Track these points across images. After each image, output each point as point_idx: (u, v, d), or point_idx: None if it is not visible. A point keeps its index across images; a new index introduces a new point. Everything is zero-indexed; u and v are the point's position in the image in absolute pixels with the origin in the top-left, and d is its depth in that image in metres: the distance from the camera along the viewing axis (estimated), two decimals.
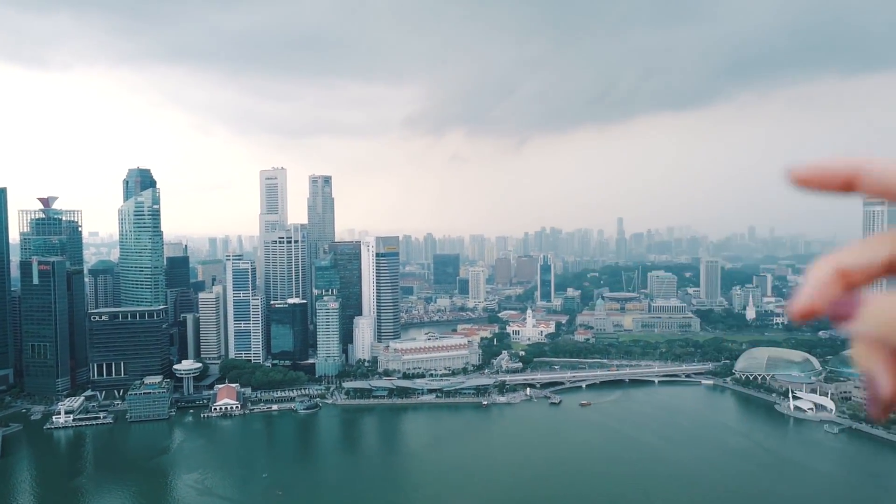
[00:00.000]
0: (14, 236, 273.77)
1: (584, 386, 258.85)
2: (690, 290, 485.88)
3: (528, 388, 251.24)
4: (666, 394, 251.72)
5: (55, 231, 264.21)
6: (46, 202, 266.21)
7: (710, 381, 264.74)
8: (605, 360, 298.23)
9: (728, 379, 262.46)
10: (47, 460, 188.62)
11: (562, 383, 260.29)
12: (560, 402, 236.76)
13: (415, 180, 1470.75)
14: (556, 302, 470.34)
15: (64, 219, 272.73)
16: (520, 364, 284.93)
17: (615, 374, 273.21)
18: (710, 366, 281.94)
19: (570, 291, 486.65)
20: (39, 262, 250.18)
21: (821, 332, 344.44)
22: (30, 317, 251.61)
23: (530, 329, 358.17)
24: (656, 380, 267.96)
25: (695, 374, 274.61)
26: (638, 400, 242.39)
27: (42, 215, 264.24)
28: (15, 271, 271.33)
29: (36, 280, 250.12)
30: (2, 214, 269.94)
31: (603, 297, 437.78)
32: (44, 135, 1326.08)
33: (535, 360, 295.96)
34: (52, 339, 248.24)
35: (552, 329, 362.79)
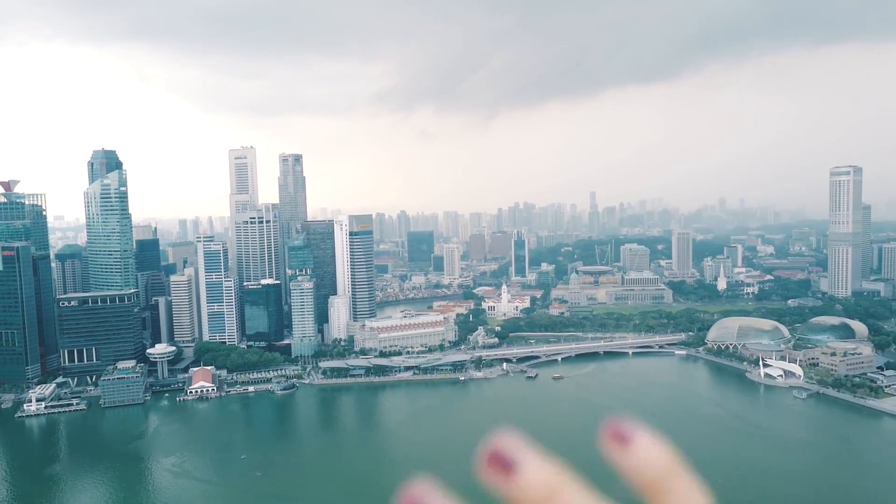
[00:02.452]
0: None
1: (559, 359, 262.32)
2: (663, 263, 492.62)
3: (504, 363, 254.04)
4: (640, 365, 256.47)
5: (18, 216, 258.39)
6: (7, 186, 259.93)
7: (683, 352, 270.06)
8: (579, 334, 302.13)
9: (700, 349, 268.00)
10: (19, 449, 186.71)
11: (538, 357, 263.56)
12: (536, 375, 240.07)
13: (386, 157, 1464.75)
14: (531, 277, 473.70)
15: (27, 202, 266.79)
16: (496, 339, 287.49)
17: (590, 346, 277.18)
18: (682, 336, 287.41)
19: (545, 266, 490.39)
20: (3, 248, 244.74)
21: (789, 301, 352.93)
22: None
23: (505, 304, 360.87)
24: (630, 351, 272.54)
25: (668, 344, 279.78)
26: (612, 372, 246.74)
27: (3, 199, 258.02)
28: None
29: (0, 266, 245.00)
30: None
31: (577, 271, 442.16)
32: (1, 116, 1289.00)
33: (510, 335, 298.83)
34: (19, 326, 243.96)
35: (527, 304, 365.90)
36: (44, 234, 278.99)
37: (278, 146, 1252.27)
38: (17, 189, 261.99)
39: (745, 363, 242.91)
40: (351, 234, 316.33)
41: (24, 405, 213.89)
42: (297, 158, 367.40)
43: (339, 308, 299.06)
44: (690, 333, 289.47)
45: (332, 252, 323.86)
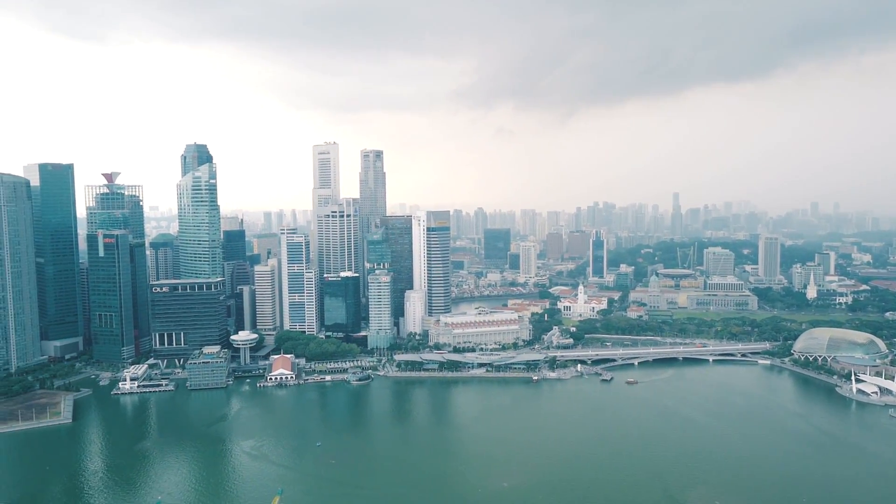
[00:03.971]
0: (81, 211, 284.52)
1: (636, 363, 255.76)
2: (748, 268, 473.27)
3: (578, 365, 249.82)
4: (720, 373, 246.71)
5: (118, 205, 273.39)
6: (110, 177, 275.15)
7: (768, 361, 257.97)
8: (657, 338, 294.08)
9: (786, 359, 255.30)
10: (115, 424, 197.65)
11: (613, 360, 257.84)
12: (611, 378, 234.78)
13: (464, 154, 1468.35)
14: (609, 278, 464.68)
15: (126, 193, 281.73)
16: (571, 340, 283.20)
17: (668, 351, 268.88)
18: (767, 345, 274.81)
19: (623, 267, 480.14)
20: (104, 236, 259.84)
21: (887, 314, 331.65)
22: (97, 288, 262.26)
23: (582, 305, 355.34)
24: (711, 358, 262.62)
25: (751, 353, 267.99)
26: (691, 378, 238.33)
27: (106, 190, 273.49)
28: (83, 244, 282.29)
29: (101, 253, 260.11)
30: (70, 190, 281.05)
31: (657, 274, 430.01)
32: (106, 111, 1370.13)
33: (586, 336, 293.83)
34: (117, 309, 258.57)
35: (604, 305, 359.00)
36: (140, 224, 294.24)
37: (360, 142, 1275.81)
38: (118, 181, 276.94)
39: (835, 377, 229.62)
40: (428, 229, 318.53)
41: (120, 383, 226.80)
42: (378, 154, 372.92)
43: (415, 302, 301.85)
44: (776, 343, 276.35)
45: (409, 247, 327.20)
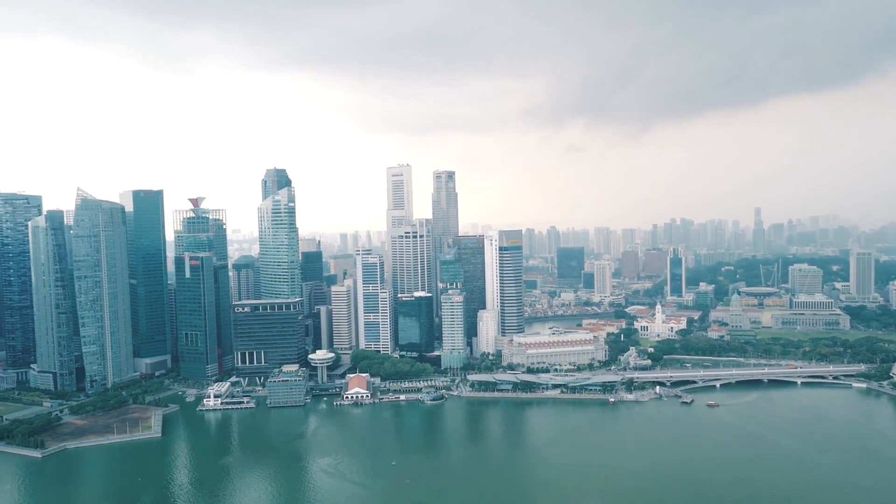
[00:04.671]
0: (169, 234, 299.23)
1: (717, 385, 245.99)
2: (838, 285, 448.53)
3: (657, 387, 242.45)
4: (810, 396, 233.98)
5: (203, 229, 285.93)
6: (196, 202, 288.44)
7: (863, 384, 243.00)
8: (741, 359, 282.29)
9: (885, 382, 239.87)
10: (200, 439, 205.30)
11: (694, 382, 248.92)
12: (692, 401, 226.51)
13: (534, 172, 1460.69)
14: (688, 297, 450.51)
15: (211, 217, 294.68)
16: (648, 361, 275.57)
17: (752, 373, 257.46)
18: (862, 367, 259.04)
19: (703, 286, 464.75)
20: (191, 258, 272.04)
21: None
22: (183, 308, 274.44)
23: (660, 325, 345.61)
24: (799, 381, 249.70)
25: (844, 375, 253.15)
26: (778, 402, 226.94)
27: (192, 215, 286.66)
28: (171, 266, 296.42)
29: (188, 274, 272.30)
30: (159, 214, 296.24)
31: (739, 292, 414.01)
32: (192, 139, 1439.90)
33: (664, 357, 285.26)
34: (202, 328, 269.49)
35: (683, 325, 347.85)
36: (224, 246, 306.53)
37: (432, 163, 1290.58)
38: (203, 205, 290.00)
39: None
40: (501, 249, 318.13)
41: (204, 400, 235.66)
42: (451, 175, 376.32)
43: (488, 322, 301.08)
44: (872, 365, 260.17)
45: (481, 267, 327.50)
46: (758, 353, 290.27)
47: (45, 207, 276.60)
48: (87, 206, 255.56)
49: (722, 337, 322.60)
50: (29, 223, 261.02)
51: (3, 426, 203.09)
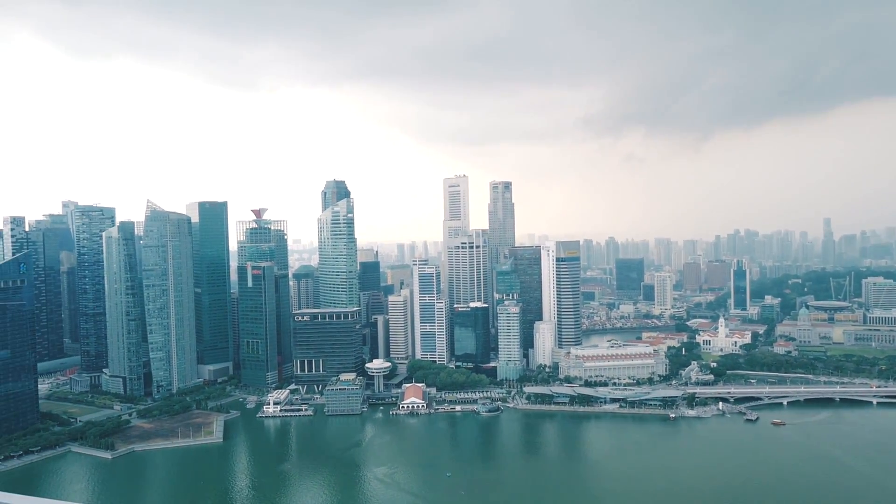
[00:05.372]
0: (232, 245, 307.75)
1: (785, 403, 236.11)
2: None
3: (720, 403, 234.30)
4: (888, 417, 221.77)
5: (265, 239, 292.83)
6: (258, 213, 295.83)
7: None
8: (809, 376, 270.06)
9: None
10: (259, 445, 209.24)
11: (759, 399, 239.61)
12: (757, 419, 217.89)
13: (592, 183, 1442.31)
14: (752, 310, 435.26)
15: (272, 228, 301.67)
16: (711, 376, 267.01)
17: (822, 391, 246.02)
18: None
19: (769, 299, 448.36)
20: (253, 268, 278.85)
21: None
22: (245, 316, 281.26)
23: (723, 339, 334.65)
24: (875, 400, 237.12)
25: None
26: (851, 422, 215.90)
27: (255, 225, 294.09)
28: (234, 276, 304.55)
29: (250, 283, 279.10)
30: (223, 225, 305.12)
31: (807, 306, 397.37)
32: (255, 152, 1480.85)
33: (727, 372, 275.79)
34: (262, 336, 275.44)
35: (747, 339, 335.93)
36: (284, 256, 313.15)
37: (488, 174, 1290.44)
38: (265, 216, 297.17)
39: None
40: (558, 260, 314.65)
41: (264, 407, 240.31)
42: (507, 186, 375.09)
43: (545, 334, 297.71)
44: None
45: (538, 278, 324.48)
46: (828, 370, 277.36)
47: (118, 219, 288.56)
48: (156, 217, 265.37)
49: (789, 352, 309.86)
50: (103, 234, 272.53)
51: (78, 427, 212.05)
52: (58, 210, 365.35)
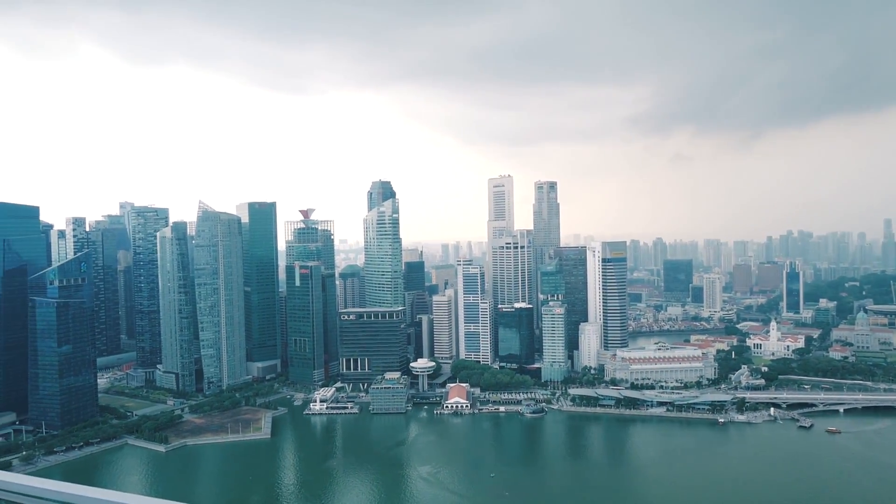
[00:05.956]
0: (280, 244, 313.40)
1: (841, 410, 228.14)
2: None
3: (771, 408, 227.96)
4: None
5: (312, 239, 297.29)
6: (306, 213, 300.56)
7: None
8: (868, 383, 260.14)
9: None
10: (306, 442, 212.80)
11: (813, 405, 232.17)
12: (811, 426, 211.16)
13: (639, 182, 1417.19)
14: (806, 314, 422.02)
15: (320, 228, 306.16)
16: (762, 381, 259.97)
17: (882, 398, 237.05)
18: None
19: (824, 302, 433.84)
20: (300, 267, 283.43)
21: None
22: (293, 315, 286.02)
23: (774, 343, 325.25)
24: None
25: None
26: None
27: (302, 225, 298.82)
28: (282, 275, 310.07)
29: (298, 283, 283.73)
30: (273, 225, 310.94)
31: (865, 310, 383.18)
32: (303, 153, 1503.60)
33: (779, 377, 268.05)
34: (310, 334, 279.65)
35: (801, 344, 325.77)
36: (331, 256, 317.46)
37: (533, 174, 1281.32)
38: (312, 216, 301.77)
39: None
40: (604, 260, 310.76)
41: (311, 404, 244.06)
42: (552, 186, 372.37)
43: (590, 335, 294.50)
44: None
45: (583, 279, 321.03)
46: (889, 377, 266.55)
47: (171, 219, 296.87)
48: (208, 217, 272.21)
49: (846, 358, 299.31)
50: (157, 234, 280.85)
51: (134, 421, 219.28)
52: (115, 211, 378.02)
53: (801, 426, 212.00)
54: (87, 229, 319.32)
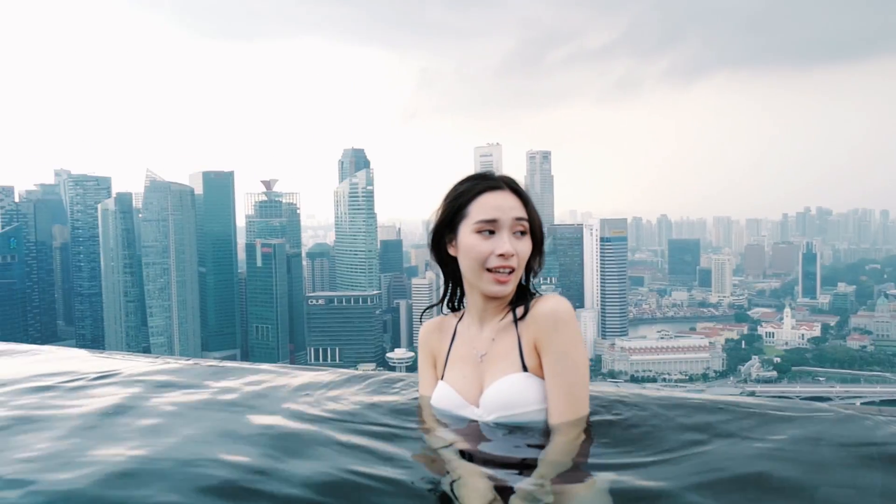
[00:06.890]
0: (241, 219, 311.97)
1: (857, 404, 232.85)
2: None
3: None
4: None
5: (276, 214, 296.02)
6: (268, 185, 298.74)
7: None
8: (888, 374, 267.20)
9: None
10: None
11: (828, 399, 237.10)
12: None
13: (643, 152, 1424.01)
14: (823, 299, 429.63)
15: (284, 201, 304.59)
16: (774, 373, 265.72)
17: None
18: None
19: (842, 286, 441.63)
20: (262, 245, 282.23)
21: None
22: (254, 299, 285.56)
23: (788, 331, 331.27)
24: None
25: None
26: None
27: (264, 198, 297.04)
28: (242, 254, 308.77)
29: (259, 262, 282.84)
30: (230, 197, 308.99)
31: (886, 295, 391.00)
32: (264, 116, 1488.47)
33: (793, 368, 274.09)
34: (273, 321, 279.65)
35: (817, 332, 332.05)
36: (297, 233, 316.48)
37: (523, 141, 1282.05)
38: (276, 188, 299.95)
39: None
40: (602, 240, 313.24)
41: None
42: (546, 156, 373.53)
43: (586, 323, 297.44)
44: None
45: (579, 260, 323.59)
46: None
47: (115, 189, 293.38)
48: (156, 188, 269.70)
49: (864, 347, 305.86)
50: (98, 206, 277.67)
51: None
52: (50, 179, 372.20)
53: None
54: (17, 200, 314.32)
